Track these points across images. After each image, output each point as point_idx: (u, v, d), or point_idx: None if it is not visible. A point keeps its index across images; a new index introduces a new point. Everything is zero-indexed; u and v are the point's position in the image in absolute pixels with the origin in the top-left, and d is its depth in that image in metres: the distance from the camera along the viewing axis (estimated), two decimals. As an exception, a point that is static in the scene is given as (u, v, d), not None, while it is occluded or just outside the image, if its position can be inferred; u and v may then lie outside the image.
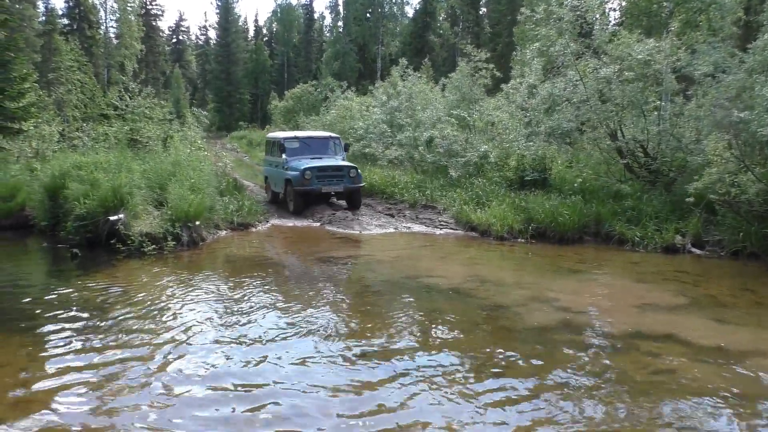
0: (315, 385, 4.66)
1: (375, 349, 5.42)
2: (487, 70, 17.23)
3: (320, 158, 13.94)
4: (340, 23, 57.98)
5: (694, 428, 4.03)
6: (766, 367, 5.02)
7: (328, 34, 65.62)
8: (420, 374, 4.84)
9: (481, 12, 49.95)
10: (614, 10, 22.22)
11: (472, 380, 4.76)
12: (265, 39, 74.12)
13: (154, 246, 9.44)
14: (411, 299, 7.12)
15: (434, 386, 4.63)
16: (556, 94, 13.55)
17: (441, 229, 11.93)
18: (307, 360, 5.17)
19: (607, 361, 5.18)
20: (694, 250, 9.67)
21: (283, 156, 14.03)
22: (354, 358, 5.20)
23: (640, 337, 5.74)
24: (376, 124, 19.38)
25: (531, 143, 13.78)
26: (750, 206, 9.31)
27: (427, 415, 4.17)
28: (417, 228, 12.03)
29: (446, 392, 4.54)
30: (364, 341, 5.61)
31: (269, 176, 15.40)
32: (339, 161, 13.99)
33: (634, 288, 7.69)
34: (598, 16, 13.91)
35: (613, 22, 22.12)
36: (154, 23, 59.35)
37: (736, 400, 4.42)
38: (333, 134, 15.88)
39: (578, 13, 13.13)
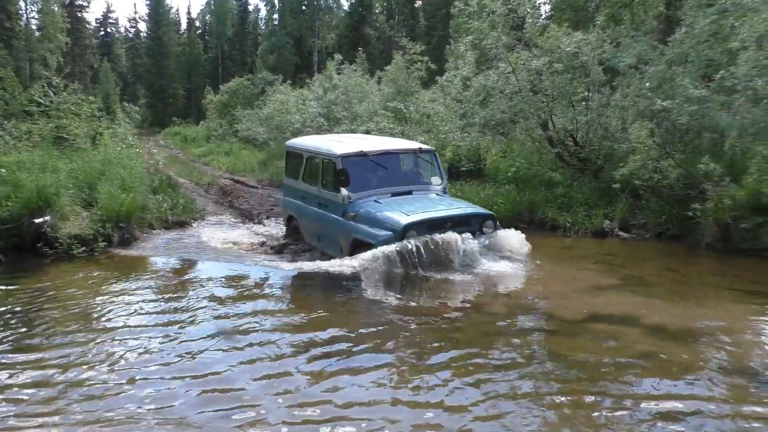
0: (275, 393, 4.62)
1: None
2: (423, 62, 17.42)
3: (409, 194, 8.18)
4: (275, 16, 57.07)
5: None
6: (698, 340, 5.32)
7: (263, 27, 64.46)
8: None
9: (416, 5, 50.32)
10: (544, 3, 22.84)
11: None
12: (198, 32, 72.17)
13: (84, 248, 9.09)
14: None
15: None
16: (489, 86, 13.83)
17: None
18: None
19: (537, 339, 5.38)
20: (621, 233, 10.12)
21: (343, 192, 7.83)
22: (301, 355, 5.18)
23: (591, 319, 5.98)
24: (313, 118, 19.27)
25: (466, 134, 14.02)
26: (671, 191, 9.81)
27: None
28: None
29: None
30: (299, 334, 5.61)
31: (303, 220, 9.07)
32: (460, 205, 8.14)
33: (568, 271, 7.97)
34: (529, 9, 14.25)
35: (543, 15, 22.77)
36: (79, 14, 56.64)
37: (671, 367, 4.67)
38: (423, 145, 9.17)
39: (510, 6, 13.42)
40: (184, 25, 74.24)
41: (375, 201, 7.81)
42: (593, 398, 4.23)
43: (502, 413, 4.01)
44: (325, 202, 8.30)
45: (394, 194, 7.98)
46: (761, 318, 5.91)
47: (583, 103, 12.85)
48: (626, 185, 10.36)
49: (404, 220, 7.27)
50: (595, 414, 4.00)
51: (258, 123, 25.64)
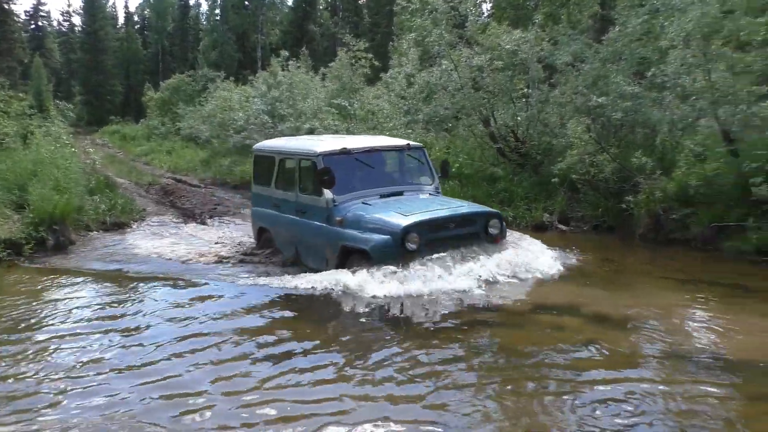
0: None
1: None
2: (367, 59, 17.43)
3: (400, 195, 7.43)
4: (217, 11, 55.92)
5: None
6: (636, 326, 5.54)
7: (204, 23, 63.05)
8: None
9: (360, 2, 50.29)
10: (485, 2, 23.22)
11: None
12: (136, 26, 69.98)
13: (9, 251, 8.68)
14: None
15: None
16: (432, 83, 13.99)
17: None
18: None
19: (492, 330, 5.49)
20: (560, 226, 10.43)
21: (327, 195, 6.99)
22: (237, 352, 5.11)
23: (534, 309, 6.15)
24: (256, 115, 19.01)
25: (410, 131, 14.13)
26: (606, 184, 10.17)
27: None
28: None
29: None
30: (247, 335, 5.54)
31: (278, 231, 8.10)
32: (461, 204, 7.55)
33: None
34: (470, 7, 14.46)
35: (485, 14, 23.15)
36: (6, 7, 53.95)
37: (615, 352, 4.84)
38: (411, 142, 8.42)
39: (452, 4, 13.60)
40: (121, 20, 71.93)
41: (364, 203, 6.95)
42: (535, 386, 4.34)
43: (446, 404, 4.07)
44: (305, 209, 7.39)
45: (382, 195, 7.18)
46: (690, 304, 6.20)
47: (524, 100, 13.14)
48: (564, 179, 10.68)
49: (403, 221, 6.39)
50: (536, 402, 4.12)
51: (200, 121, 25.11)
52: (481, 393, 4.26)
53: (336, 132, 15.34)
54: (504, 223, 7.24)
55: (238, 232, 10.63)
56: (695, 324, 5.64)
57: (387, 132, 14.90)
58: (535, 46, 12.65)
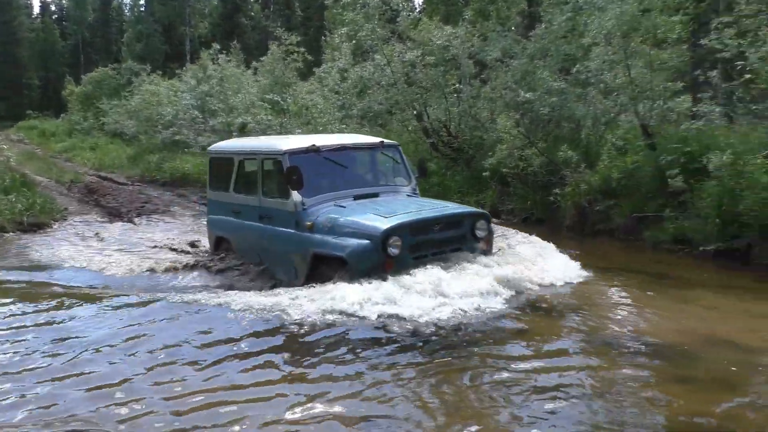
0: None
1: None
2: (299, 53, 17.23)
3: (375, 197, 6.78)
4: (141, 2, 53.93)
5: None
6: (564, 315, 5.71)
7: (128, 13, 60.63)
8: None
9: (292, -5, 49.61)
10: (417, -3, 23.43)
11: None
12: (54, 17, 66.50)
13: None
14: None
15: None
16: (366, 78, 14.01)
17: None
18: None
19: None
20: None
21: (295, 197, 6.32)
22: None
23: None
24: (186, 110, 18.48)
25: (345, 126, 14.10)
26: (535, 177, 10.48)
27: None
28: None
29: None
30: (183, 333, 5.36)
31: (239, 239, 7.36)
32: (445, 205, 6.88)
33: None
34: (402, 2, 14.54)
35: (417, 9, 23.35)
36: None
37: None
38: (385, 140, 7.63)
39: (384, -1, 13.63)
40: (36, 9, 68.12)
41: (336, 205, 6.30)
42: (468, 378, 4.41)
43: (389, 398, 4.08)
44: (270, 214, 6.69)
45: (356, 197, 6.54)
46: (613, 292, 6.45)
47: (455, 95, 13.34)
48: (495, 173, 10.93)
49: (383, 223, 5.76)
50: (472, 394, 4.18)
51: (126, 116, 24.18)
52: (418, 388, 4.29)
53: (269, 127, 15.09)
54: (491, 225, 6.64)
55: (174, 232, 10.21)
56: (617, 310, 5.87)
57: (321, 127, 14.81)
58: (466, 42, 12.87)
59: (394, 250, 5.75)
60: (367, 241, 5.70)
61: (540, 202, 10.23)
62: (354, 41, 15.29)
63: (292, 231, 6.36)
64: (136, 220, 11.62)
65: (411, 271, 5.75)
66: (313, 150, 6.61)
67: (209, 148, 8.29)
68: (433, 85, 13.07)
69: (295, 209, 6.28)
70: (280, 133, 14.76)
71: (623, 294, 6.27)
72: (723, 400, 3.90)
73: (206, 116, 17.94)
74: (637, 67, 9.68)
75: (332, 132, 14.16)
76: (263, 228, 6.77)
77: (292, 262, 6.42)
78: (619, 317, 5.65)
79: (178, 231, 10.28)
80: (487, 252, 6.45)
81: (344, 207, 6.28)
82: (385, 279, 5.65)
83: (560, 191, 9.70)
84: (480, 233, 6.38)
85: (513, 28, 14.85)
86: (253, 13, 50.84)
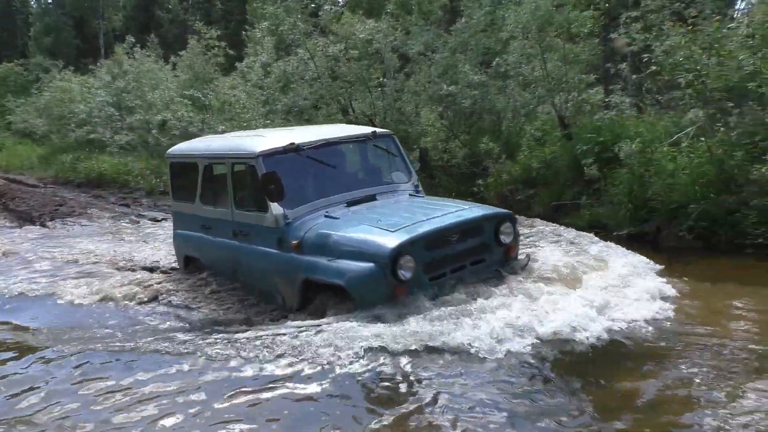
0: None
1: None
2: (220, 48, 16.81)
3: (373, 200, 5.66)
4: (49, -8, 50.91)
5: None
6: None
7: (35, 5, 57.14)
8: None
9: (211, -13, 48.24)
10: (339, -10, 23.30)
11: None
12: (-50, 8, 61.75)
13: None
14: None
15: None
16: (289, 73, 13.82)
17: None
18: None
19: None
20: (419, 212, 10.80)
21: (275, 210, 5.21)
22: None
23: None
24: (101, 107, 17.66)
25: (269, 122, 13.86)
26: (459, 169, 10.70)
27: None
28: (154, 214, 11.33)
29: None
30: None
31: (210, 261, 6.34)
32: (460, 207, 5.47)
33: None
34: (324, -4, 14.40)
35: (340, 2, 23.23)
36: None
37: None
38: (378, 129, 6.43)
39: (305, -8, 13.48)
40: (-71, 0, 63.04)
41: (327, 216, 5.19)
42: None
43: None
44: (245, 230, 5.56)
45: (350, 203, 5.42)
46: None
47: (380, 89, 13.38)
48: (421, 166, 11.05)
49: (391, 240, 4.59)
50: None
51: (35, 114, 22.87)
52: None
53: (190, 124, 14.65)
54: (516, 227, 5.39)
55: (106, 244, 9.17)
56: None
57: (245, 123, 14.50)
58: (389, 35, 12.91)
59: (406, 273, 4.54)
60: (371, 264, 4.52)
61: (465, 193, 10.42)
62: (276, 35, 15.04)
63: (275, 251, 5.22)
64: (49, 223, 11.03)
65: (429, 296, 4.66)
66: (292, 149, 5.40)
67: (169, 151, 6.99)
68: (357, 79, 13.04)
69: (277, 224, 5.15)
70: (201, 131, 14.36)
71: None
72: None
73: (123, 113, 17.22)
74: (552, 60, 10.04)
75: (256, 128, 13.89)
76: (238, 247, 5.65)
77: (276, 288, 5.33)
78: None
79: (109, 241, 9.45)
80: (514, 262, 5.26)
81: (337, 218, 5.15)
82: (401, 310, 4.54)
83: (483, 182, 9.94)
84: (505, 239, 5.19)
85: (435, 22, 15.06)
86: (170, 6, 49.10)
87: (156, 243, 9.09)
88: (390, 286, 4.54)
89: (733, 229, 6.73)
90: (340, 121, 13.46)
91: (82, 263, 8.04)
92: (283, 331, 4.65)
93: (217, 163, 6.00)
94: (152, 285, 6.51)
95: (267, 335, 4.61)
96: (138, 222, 11.09)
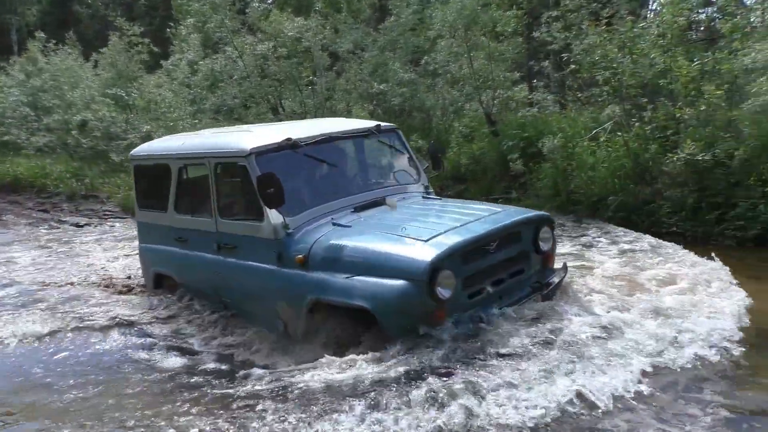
0: None
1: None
2: (144, 45, 16.26)
3: (382, 204, 4.79)
4: (-46, -14, 47.70)
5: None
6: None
7: (-61, -1, 53.39)
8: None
9: (134, -18, 46.56)
10: (268, -12, 22.97)
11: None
12: None
13: None
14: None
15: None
16: (217, 71, 13.54)
17: (107, 219, 11.00)
18: None
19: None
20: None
21: (273, 218, 4.33)
22: None
23: None
24: (15, 107, 16.71)
25: (197, 121, 13.53)
26: (391, 167, 10.76)
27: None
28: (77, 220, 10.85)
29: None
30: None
31: (189, 280, 5.43)
32: (492, 210, 4.69)
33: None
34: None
35: (269, 0, 22.89)
36: None
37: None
38: (382, 123, 5.39)
39: (232, -11, 13.24)
40: None
41: (336, 224, 4.38)
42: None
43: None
44: (233, 242, 4.74)
45: (357, 209, 4.62)
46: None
47: (310, 87, 13.30)
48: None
49: (426, 252, 3.83)
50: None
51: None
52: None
53: (113, 124, 14.10)
54: (554, 232, 4.70)
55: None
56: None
57: (171, 123, 14.07)
58: (318, 34, 12.85)
59: (446, 292, 3.75)
60: (404, 282, 3.73)
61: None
62: (203, 33, 14.69)
63: (272, 267, 4.38)
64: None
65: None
66: (290, 146, 4.59)
67: (132, 152, 6.04)
68: (287, 77, 12.92)
69: (275, 235, 4.32)
70: (125, 131, 13.83)
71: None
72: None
73: (39, 114, 16.36)
74: (478, 58, 10.27)
75: (184, 129, 13.50)
76: (224, 262, 4.80)
77: (275, 312, 4.45)
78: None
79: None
80: (552, 273, 4.62)
81: (348, 227, 4.33)
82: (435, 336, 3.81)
83: (415, 179, 10.04)
84: (544, 246, 4.52)
85: (364, 20, 15.10)
86: (90, 1, 47.05)
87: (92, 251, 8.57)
88: (427, 307, 3.76)
89: (650, 219, 7.10)
90: (271, 121, 13.32)
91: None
92: (314, 380, 3.69)
93: (196, 165, 5.14)
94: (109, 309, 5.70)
95: (294, 386, 3.66)
96: (59, 228, 10.58)
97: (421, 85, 11.24)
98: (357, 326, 3.97)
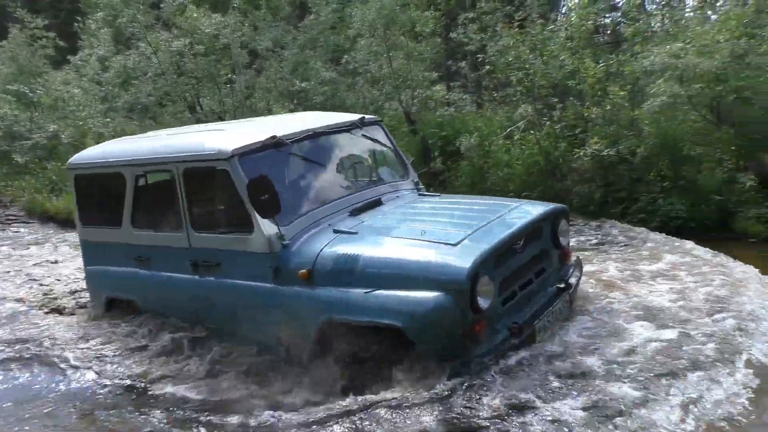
0: None
1: None
2: (49, 39, 15.40)
3: (379, 205, 4.33)
4: None
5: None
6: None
7: None
8: None
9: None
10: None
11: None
12: None
13: None
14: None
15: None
16: (130, 67, 13.02)
17: (11, 224, 10.34)
18: None
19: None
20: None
21: (266, 228, 3.76)
22: None
23: None
24: None
25: (109, 120, 12.98)
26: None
27: None
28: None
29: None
30: None
31: (151, 303, 4.69)
32: (507, 205, 4.23)
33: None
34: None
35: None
36: None
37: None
38: (366, 116, 4.89)
39: (145, -18, 12.75)
40: None
41: (338, 232, 3.85)
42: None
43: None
44: (213, 259, 4.11)
45: (353, 212, 4.12)
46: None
47: (229, 85, 13.02)
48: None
49: (460, 257, 3.37)
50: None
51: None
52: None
53: (16, 122, 13.25)
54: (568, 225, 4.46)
55: None
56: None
57: (81, 122, 13.40)
58: (237, 31, 12.59)
59: (485, 302, 3.33)
60: (439, 293, 3.24)
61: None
62: (114, 27, 14.08)
63: (268, 285, 3.81)
64: None
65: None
66: (274, 144, 4.03)
67: (72, 160, 5.21)
68: (204, 75, 12.58)
69: (270, 248, 3.76)
70: (30, 130, 13.04)
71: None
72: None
73: None
74: (398, 58, 10.38)
75: (95, 128, 12.90)
76: (203, 283, 4.18)
77: (274, 337, 3.86)
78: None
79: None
80: (569, 270, 4.27)
81: (354, 233, 3.80)
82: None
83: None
84: (563, 240, 4.21)
85: (284, 18, 14.92)
86: (-10, -8, 44.05)
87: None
88: (468, 321, 3.27)
89: (561, 214, 7.41)
90: (189, 120, 12.93)
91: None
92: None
93: (158, 171, 4.50)
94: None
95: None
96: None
97: (341, 84, 11.24)
98: (379, 346, 3.42)
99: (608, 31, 11.63)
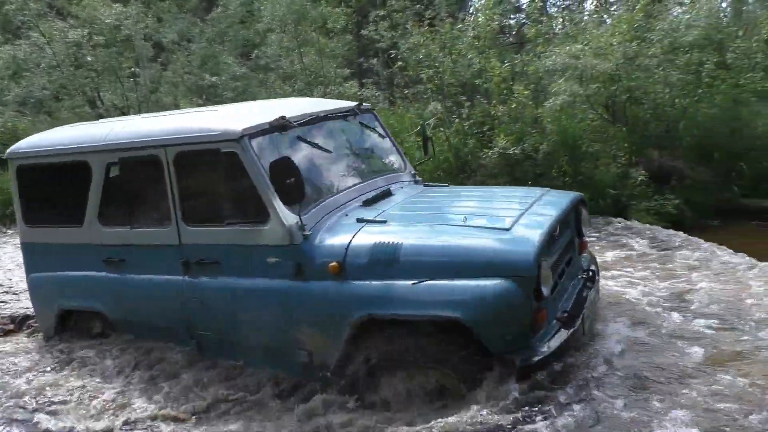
0: None
1: None
2: (-74, 26, 14.07)
3: (388, 195, 3.87)
4: None
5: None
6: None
7: None
8: None
9: None
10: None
11: None
12: None
13: None
14: None
15: None
16: (20, 58, 12.17)
17: None
18: None
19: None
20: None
21: (287, 217, 3.25)
22: None
23: None
24: None
25: (-1, 115, 12.07)
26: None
27: None
28: None
29: None
30: None
31: (126, 313, 3.97)
32: (531, 194, 3.86)
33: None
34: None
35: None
36: None
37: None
38: (363, 104, 4.50)
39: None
40: None
41: (362, 220, 3.41)
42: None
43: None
44: (213, 257, 3.59)
45: (366, 201, 3.71)
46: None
47: (132, 79, 12.45)
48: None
49: (524, 242, 3.11)
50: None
51: None
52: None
53: None
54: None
55: None
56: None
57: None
58: (139, 22, 12.05)
59: (546, 289, 3.08)
60: (503, 280, 2.95)
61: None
62: (1, 15, 13.09)
63: (289, 283, 3.34)
64: None
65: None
66: (282, 125, 3.58)
67: (12, 149, 4.39)
68: (105, 67, 11.97)
69: (291, 240, 3.31)
70: None
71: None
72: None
73: None
74: (309, 54, 10.31)
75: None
76: (199, 285, 3.64)
77: (294, 341, 3.39)
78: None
79: None
80: (586, 261, 4.09)
81: (383, 222, 3.40)
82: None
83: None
84: (584, 228, 4.04)
85: (190, 10, 14.45)
86: None
87: None
88: (530, 311, 3.01)
89: (472, 208, 7.63)
90: (89, 115, 12.24)
91: None
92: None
93: (138, 159, 3.80)
94: None
95: None
96: None
97: (253, 79, 11.03)
98: (428, 343, 3.05)
99: (513, 32, 12.11)
